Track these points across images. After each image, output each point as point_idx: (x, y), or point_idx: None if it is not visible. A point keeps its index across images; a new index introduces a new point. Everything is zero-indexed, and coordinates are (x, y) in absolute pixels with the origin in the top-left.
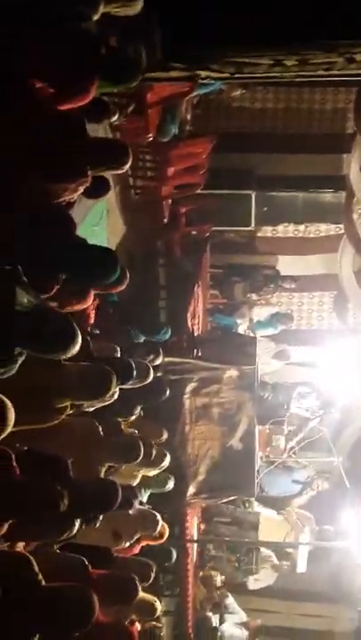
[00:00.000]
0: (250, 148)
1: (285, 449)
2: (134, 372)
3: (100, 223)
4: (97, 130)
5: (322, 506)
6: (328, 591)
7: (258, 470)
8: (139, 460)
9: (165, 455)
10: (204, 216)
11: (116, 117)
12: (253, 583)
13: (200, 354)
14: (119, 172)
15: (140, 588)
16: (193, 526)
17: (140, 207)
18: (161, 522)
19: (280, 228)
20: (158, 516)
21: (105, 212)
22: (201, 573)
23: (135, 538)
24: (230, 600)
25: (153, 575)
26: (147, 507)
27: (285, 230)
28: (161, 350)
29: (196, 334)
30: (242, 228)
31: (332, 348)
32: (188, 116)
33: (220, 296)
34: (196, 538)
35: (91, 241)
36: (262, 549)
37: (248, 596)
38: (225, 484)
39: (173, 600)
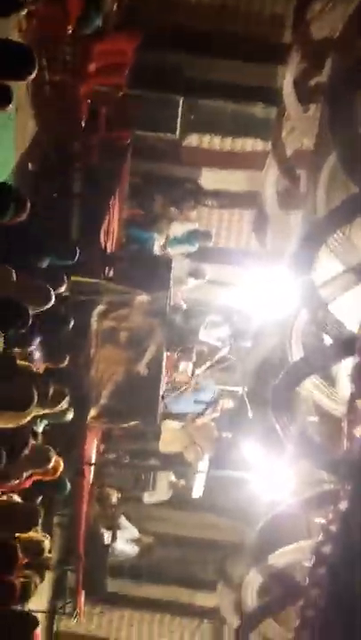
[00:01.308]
0: (181, 48)
1: (192, 375)
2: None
3: (6, 123)
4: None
5: (224, 427)
6: (224, 504)
7: (162, 395)
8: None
9: (64, 396)
10: (126, 119)
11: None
12: (148, 497)
13: (112, 274)
14: (22, 81)
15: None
16: (92, 448)
17: (56, 105)
18: (54, 457)
19: (206, 138)
20: (51, 452)
21: (14, 110)
22: (97, 490)
23: (25, 476)
24: (122, 518)
25: (40, 519)
26: (40, 438)
27: (211, 142)
28: (65, 277)
29: (108, 252)
30: (166, 135)
31: (250, 269)
32: (115, 7)
33: (137, 208)
34: (94, 459)
35: None
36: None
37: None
38: (127, 410)
39: (66, 517)
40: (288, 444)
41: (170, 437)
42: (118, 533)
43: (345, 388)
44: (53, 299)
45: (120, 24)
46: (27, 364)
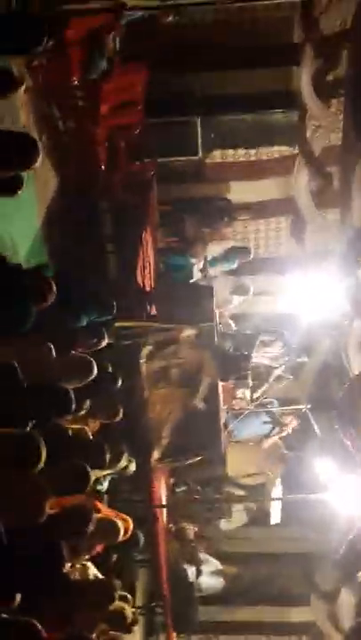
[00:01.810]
0: (189, 68)
1: (251, 400)
2: (72, 406)
3: (26, 181)
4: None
5: (293, 447)
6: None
7: (224, 423)
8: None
9: (122, 454)
10: (146, 149)
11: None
12: (226, 525)
13: (153, 312)
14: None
15: None
16: (161, 489)
17: (74, 153)
18: (121, 528)
19: (229, 153)
20: (118, 524)
21: None
22: (173, 528)
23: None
24: (203, 553)
25: (116, 595)
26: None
27: (235, 155)
28: (104, 331)
29: (147, 290)
30: (189, 158)
31: (293, 275)
32: (117, 45)
33: (171, 235)
34: (165, 497)
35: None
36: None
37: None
38: (190, 445)
39: (147, 561)
40: (357, 453)
41: (239, 461)
42: (202, 567)
43: None
44: (95, 370)
45: (125, 57)
46: (79, 427)
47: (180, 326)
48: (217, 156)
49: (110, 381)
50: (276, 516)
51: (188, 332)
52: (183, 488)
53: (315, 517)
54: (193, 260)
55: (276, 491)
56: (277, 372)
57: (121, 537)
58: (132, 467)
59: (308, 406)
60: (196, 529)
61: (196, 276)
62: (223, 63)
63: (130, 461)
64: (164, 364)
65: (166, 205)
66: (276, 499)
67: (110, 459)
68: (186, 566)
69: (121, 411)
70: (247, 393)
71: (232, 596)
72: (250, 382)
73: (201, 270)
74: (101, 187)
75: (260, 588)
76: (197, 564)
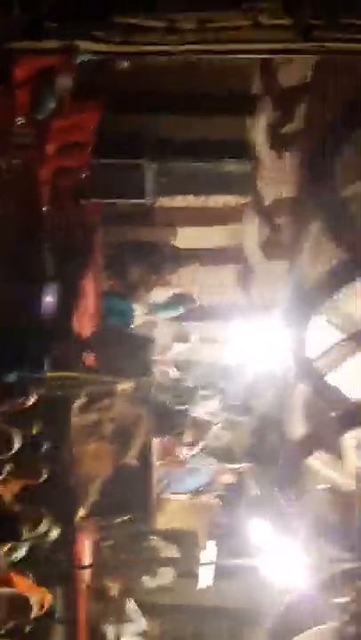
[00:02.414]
0: (144, 110)
1: (187, 458)
2: None
3: None
4: None
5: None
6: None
7: (159, 479)
8: None
9: (40, 521)
10: (93, 190)
11: None
12: (150, 582)
13: (91, 361)
14: None
15: None
16: (84, 549)
17: (15, 191)
18: (35, 604)
19: (179, 199)
20: (31, 601)
21: None
22: (94, 587)
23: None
24: (131, 606)
25: None
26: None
27: (185, 201)
28: (31, 389)
29: (84, 337)
30: (136, 201)
31: (237, 323)
32: (71, 84)
33: (114, 278)
34: (90, 555)
35: None
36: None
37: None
38: (118, 504)
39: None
40: (296, 520)
41: (171, 518)
42: (124, 628)
43: (353, 460)
44: (16, 445)
45: (79, 97)
46: None
47: (117, 379)
48: (166, 201)
49: (34, 447)
50: (205, 579)
51: (125, 386)
52: (109, 542)
53: (247, 580)
54: (134, 306)
55: (208, 553)
56: (215, 429)
57: (35, 613)
58: (54, 533)
59: (246, 465)
60: (122, 585)
61: (137, 321)
62: (179, 108)
63: (50, 527)
64: (96, 418)
65: (111, 248)
66: (207, 563)
67: (28, 527)
68: (108, 627)
69: (44, 473)
70: (184, 450)
71: None
72: (185, 440)
73: (145, 316)
74: (44, 227)
75: None
76: (122, 621)
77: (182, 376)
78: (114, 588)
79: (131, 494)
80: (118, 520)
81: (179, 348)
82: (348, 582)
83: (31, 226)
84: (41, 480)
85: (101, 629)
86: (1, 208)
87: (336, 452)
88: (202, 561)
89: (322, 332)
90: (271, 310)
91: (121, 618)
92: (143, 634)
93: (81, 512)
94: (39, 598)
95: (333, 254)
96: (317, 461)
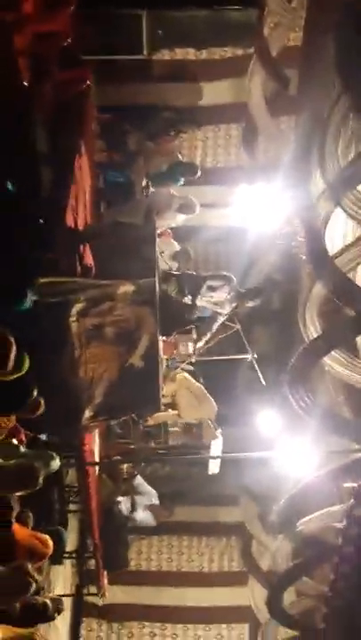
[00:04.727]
0: None
1: (194, 352)
2: None
3: None
4: None
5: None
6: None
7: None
8: None
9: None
10: (83, 46)
11: None
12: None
13: (87, 259)
14: None
15: None
16: (93, 445)
17: None
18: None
19: (178, 52)
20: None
21: None
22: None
23: None
24: (139, 480)
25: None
26: None
27: (185, 55)
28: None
29: (79, 229)
30: (133, 57)
31: (242, 186)
32: None
33: (111, 148)
34: (97, 456)
35: None
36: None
37: None
38: (125, 403)
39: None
40: (307, 418)
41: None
42: (137, 500)
43: None
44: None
45: None
46: None
47: (118, 281)
48: (165, 54)
49: (22, 394)
50: (214, 467)
51: (126, 288)
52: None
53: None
54: (133, 177)
55: (217, 443)
56: (220, 320)
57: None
58: (56, 464)
59: (255, 356)
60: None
61: (137, 194)
62: None
63: (53, 458)
64: (97, 322)
65: (107, 113)
66: (216, 456)
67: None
68: (120, 500)
69: (42, 405)
70: (190, 346)
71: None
72: (193, 334)
73: (143, 188)
74: (27, 101)
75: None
76: (133, 494)
77: (184, 248)
78: (123, 469)
79: (138, 393)
80: (124, 418)
81: (182, 220)
82: (358, 470)
83: (12, 98)
84: (39, 412)
85: (113, 506)
86: None
87: (352, 351)
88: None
89: (341, 227)
90: (276, 169)
91: (132, 491)
92: (153, 508)
93: (87, 413)
94: (43, 547)
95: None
96: (331, 360)
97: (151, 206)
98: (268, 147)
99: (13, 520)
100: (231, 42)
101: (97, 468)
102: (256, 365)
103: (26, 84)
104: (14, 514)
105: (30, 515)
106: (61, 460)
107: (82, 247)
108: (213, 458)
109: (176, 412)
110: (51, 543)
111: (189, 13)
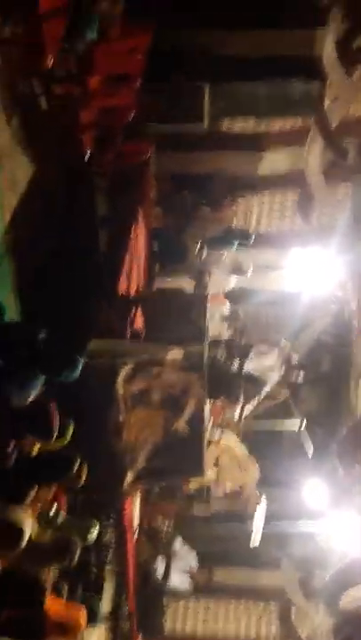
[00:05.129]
0: (200, 24)
1: (240, 418)
2: None
3: None
4: None
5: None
6: None
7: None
8: None
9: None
10: (144, 125)
11: None
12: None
13: (138, 324)
14: None
15: None
16: (133, 510)
17: (56, 136)
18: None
19: (238, 123)
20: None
21: None
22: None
23: None
24: (178, 543)
25: None
26: None
27: (245, 126)
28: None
29: (133, 295)
30: (193, 126)
31: (297, 250)
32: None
33: (167, 213)
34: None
35: None
36: None
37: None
38: (169, 468)
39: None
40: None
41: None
42: (174, 564)
43: None
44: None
45: (126, 17)
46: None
47: (167, 347)
48: (225, 124)
49: (63, 469)
50: (256, 538)
51: (175, 354)
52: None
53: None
54: (189, 243)
55: (259, 511)
56: (269, 386)
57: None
58: (93, 536)
59: (303, 424)
60: (170, 522)
61: (191, 260)
62: (240, 20)
63: (93, 526)
64: (144, 386)
65: (164, 181)
66: (258, 525)
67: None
68: (157, 564)
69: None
70: (237, 412)
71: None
72: (241, 399)
73: (197, 255)
74: (90, 172)
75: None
76: (169, 559)
77: (235, 310)
78: (163, 527)
79: (182, 459)
80: (167, 483)
81: (235, 281)
82: None
83: (76, 166)
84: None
85: (151, 570)
86: (43, 146)
87: None
88: (255, 521)
89: None
90: (330, 235)
91: (169, 554)
92: (189, 572)
93: (129, 478)
94: (77, 622)
95: None
96: None
97: (204, 268)
98: (322, 213)
99: (46, 600)
100: (292, 113)
101: (136, 530)
102: (306, 435)
103: (90, 153)
104: (47, 593)
105: (66, 586)
106: (101, 527)
107: (133, 311)
108: (255, 529)
109: (217, 477)
110: (85, 618)
111: (252, 86)
